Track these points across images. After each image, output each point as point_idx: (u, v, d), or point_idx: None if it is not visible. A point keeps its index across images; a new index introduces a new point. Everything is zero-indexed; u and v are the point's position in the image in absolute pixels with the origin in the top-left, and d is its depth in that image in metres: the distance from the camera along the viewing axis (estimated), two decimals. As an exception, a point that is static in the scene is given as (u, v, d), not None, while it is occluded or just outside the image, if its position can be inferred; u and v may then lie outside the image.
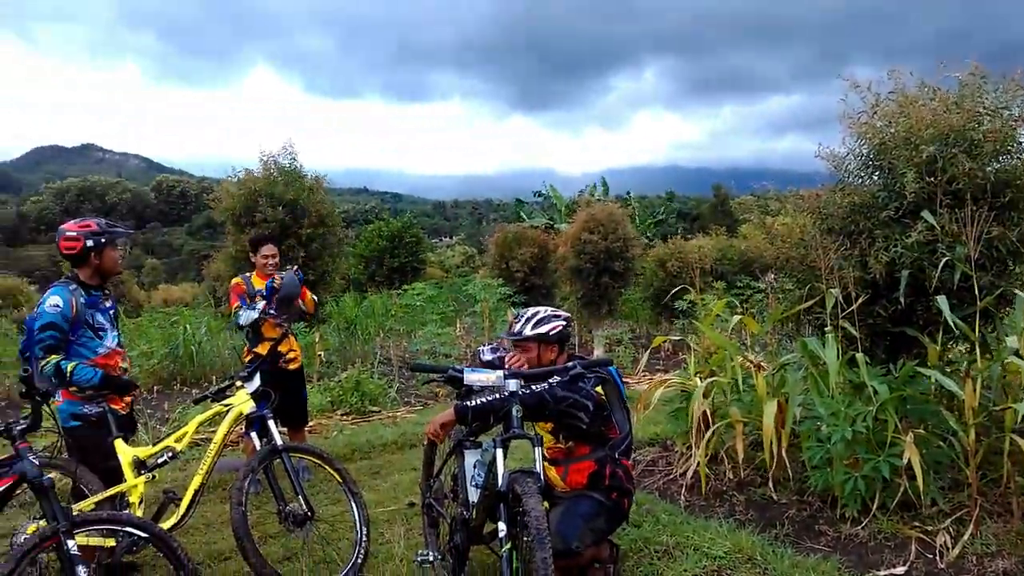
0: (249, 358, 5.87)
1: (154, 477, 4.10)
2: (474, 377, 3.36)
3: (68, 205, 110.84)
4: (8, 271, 47.39)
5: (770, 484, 5.02)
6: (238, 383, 4.37)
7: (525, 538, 3.11)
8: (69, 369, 3.97)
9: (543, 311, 3.90)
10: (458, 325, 12.47)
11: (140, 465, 4.07)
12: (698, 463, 5.18)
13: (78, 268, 4.23)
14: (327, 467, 4.36)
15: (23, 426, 3.33)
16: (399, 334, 14.46)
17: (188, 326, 12.76)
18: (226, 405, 4.32)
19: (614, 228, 13.35)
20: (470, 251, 51.02)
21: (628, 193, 30.72)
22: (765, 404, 4.93)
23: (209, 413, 4.36)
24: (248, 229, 10.36)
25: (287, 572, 4.16)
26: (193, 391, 11.65)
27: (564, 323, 3.84)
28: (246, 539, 3.79)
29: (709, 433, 5.21)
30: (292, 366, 5.95)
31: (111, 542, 3.79)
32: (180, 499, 4.21)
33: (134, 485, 3.99)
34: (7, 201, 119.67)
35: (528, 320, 3.86)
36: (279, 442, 4.18)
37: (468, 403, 3.45)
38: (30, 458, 3.27)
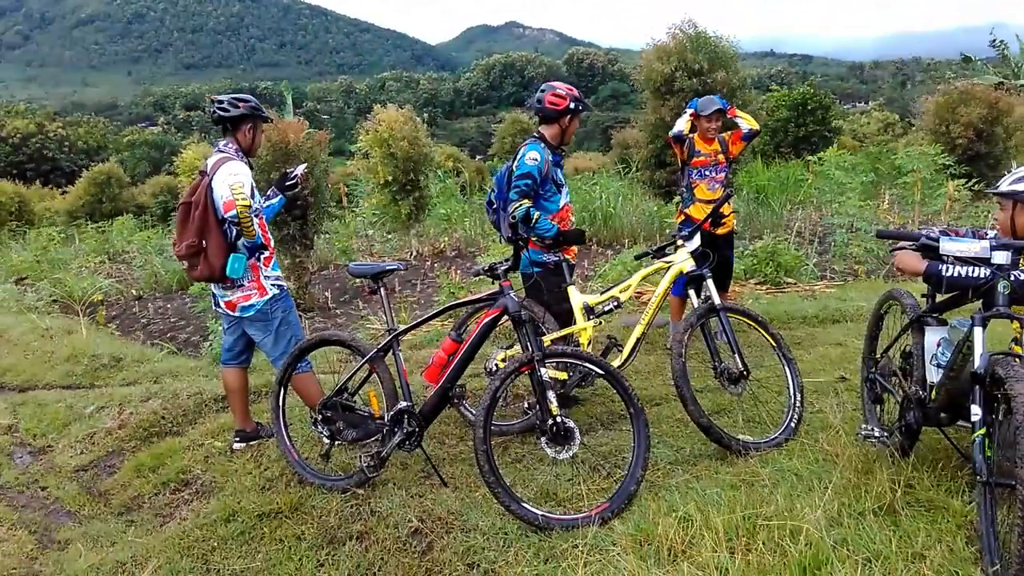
0: (681, 219, 6.00)
1: (601, 323, 4.47)
2: (952, 247, 3.00)
3: (493, 80, 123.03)
4: (446, 141, 54.73)
5: None
6: (679, 242, 4.50)
7: (1004, 426, 2.78)
8: (536, 217, 4.41)
9: None
10: (885, 198, 11.29)
11: (589, 311, 4.46)
12: None
13: (547, 126, 4.61)
14: (761, 331, 4.35)
15: (506, 266, 3.82)
16: (812, 205, 13.65)
17: (603, 192, 13.44)
18: (667, 262, 4.49)
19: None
20: (890, 117, 45.69)
21: None
22: None
23: (651, 269, 4.57)
24: (668, 98, 10.43)
25: (718, 425, 4.30)
26: (607, 252, 12.45)
27: None
28: (685, 387, 3.98)
29: None
30: (722, 230, 5.94)
31: (563, 375, 4.29)
32: (621, 345, 4.56)
33: (584, 328, 4.40)
34: (445, 79, 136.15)
35: (1009, 176, 3.31)
36: (717, 301, 4.25)
37: (944, 268, 3.10)
38: (511, 295, 3.77)
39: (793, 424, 4.11)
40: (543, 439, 3.61)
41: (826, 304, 7.27)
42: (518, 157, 4.57)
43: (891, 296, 3.94)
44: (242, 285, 4.38)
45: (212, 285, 4.50)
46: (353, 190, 16.35)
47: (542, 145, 4.58)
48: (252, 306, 4.40)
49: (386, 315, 4.04)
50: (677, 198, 6.87)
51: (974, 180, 11.33)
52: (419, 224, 13.43)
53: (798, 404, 4.17)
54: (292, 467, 4.18)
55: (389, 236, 13.41)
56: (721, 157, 5.92)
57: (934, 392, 3.28)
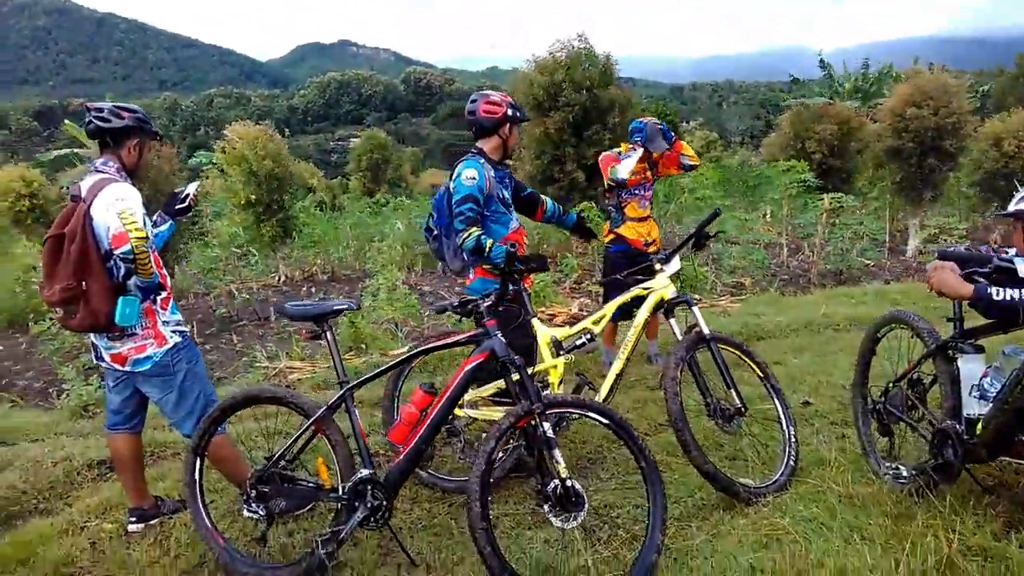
0: (610, 238, 5.63)
1: (572, 359, 3.94)
2: None
3: (329, 98, 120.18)
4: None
5: None
6: (657, 265, 4.05)
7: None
8: (488, 244, 3.85)
9: None
10: (767, 213, 11.54)
11: (557, 346, 3.91)
12: None
13: (484, 139, 4.07)
14: (747, 360, 3.97)
15: (489, 302, 3.20)
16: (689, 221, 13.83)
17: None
18: (646, 289, 4.02)
19: (946, 102, 11.52)
20: (711, 135, 48.51)
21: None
22: None
23: (627, 296, 4.09)
24: (551, 113, 10.11)
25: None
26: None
27: None
28: (686, 431, 3.51)
29: None
30: (652, 248, 5.64)
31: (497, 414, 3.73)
32: (593, 384, 4.06)
33: (554, 365, 3.84)
34: (278, 96, 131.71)
35: (1016, 196, 3.12)
36: (706, 331, 3.82)
37: (994, 291, 2.80)
38: (499, 336, 3.15)
39: (792, 462, 3.74)
40: (546, 506, 3.01)
41: (745, 321, 7.13)
42: (452, 178, 3.99)
43: (894, 319, 3.66)
44: (134, 334, 3.48)
45: (93, 335, 3.57)
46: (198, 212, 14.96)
47: (480, 161, 4.02)
48: (148, 359, 3.51)
49: (335, 365, 3.29)
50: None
51: (831, 195, 11.80)
52: (286, 247, 12.38)
53: (793, 440, 3.81)
54: (215, 554, 3.33)
55: (254, 261, 12.25)
56: (649, 174, 5.63)
57: (980, 426, 2.99)
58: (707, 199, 11.55)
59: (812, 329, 7.09)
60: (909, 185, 12.24)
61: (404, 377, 4.23)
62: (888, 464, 3.40)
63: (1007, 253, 2.89)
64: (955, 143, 11.67)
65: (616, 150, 5.63)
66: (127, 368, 3.52)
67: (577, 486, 3.00)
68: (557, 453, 2.98)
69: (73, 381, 6.16)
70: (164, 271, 3.60)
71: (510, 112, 3.99)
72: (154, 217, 3.83)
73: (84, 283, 3.29)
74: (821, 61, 24.73)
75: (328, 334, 3.30)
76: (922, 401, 3.45)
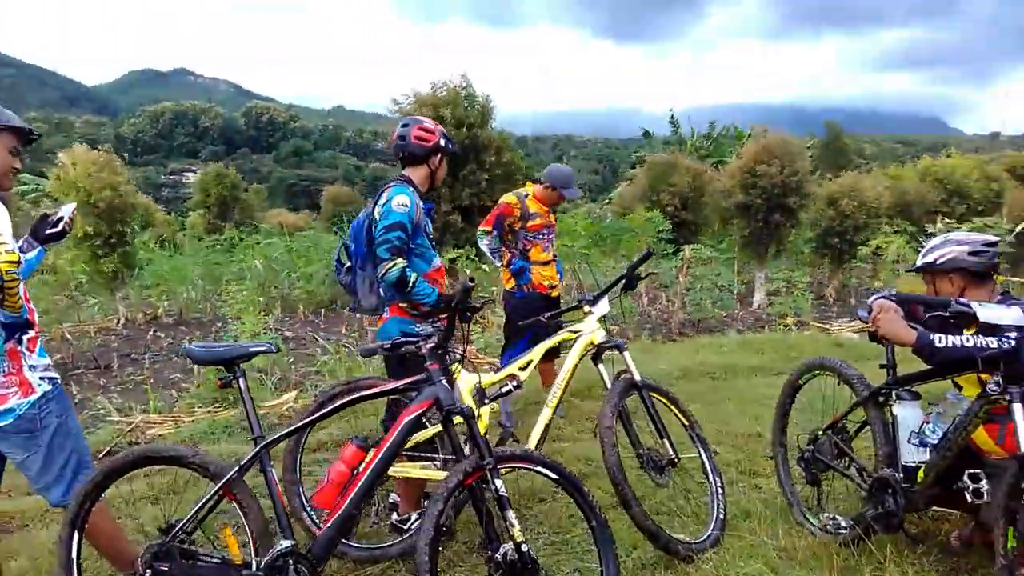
0: (511, 284, 5.50)
1: (495, 408, 3.69)
2: (991, 314, 2.75)
3: (163, 129, 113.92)
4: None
5: None
6: (585, 308, 3.89)
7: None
8: (413, 279, 3.55)
9: (937, 238, 3.29)
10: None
11: (481, 394, 3.65)
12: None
13: (412, 168, 3.79)
14: (672, 408, 3.88)
15: (432, 344, 2.90)
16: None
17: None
18: (575, 332, 3.85)
19: (791, 160, 12.41)
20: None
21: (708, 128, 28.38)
22: None
23: (555, 340, 3.91)
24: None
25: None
26: (356, 314, 11.50)
27: (966, 248, 3.15)
28: (625, 485, 3.34)
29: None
30: (555, 292, 5.55)
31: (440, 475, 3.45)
32: (515, 435, 3.83)
33: (478, 416, 3.57)
34: (105, 123, 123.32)
35: (923, 251, 3.30)
36: (638, 378, 3.70)
37: (937, 339, 2.85)
38: (443, 382, 2.86)
39: (722, 515, 3.66)
40: (496, 575, 2.73)
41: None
42: (380, 203, 3.67)
43: (819, 366, 3.69)
44: (-8, 383, 2.90)
45: None
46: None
47: (411, 189, 3.74)
48: (10, 412, 2.91)
49: (249, 418, 2.87)
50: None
51: (692, 246, 12.32)
52: (125, 285, 11.32)
53: (720, 491, 3.74)
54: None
55: (92, 302, 11.08)
56: (552, 218, 5.58)
57: (921, 474, 3.02)
58: (571, 247, 11.73)
59: (691, 377, 7.21)
60: (755, 240, 13.00)
61: (307, 432, 3.80)
62: (825, 515, 3.39)
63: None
64: (797, 200, 12.54)
65: (523, 191, 5.51)
66: None
67: (532, 552, 2.74)
68: (511, 514, 2.72)
69: None
70: (32, 305, 3.04)
71: (442, 142, 3.75)
72: (20, 243, 3.25)
73: None
74: (672, 118, 26.20)
75: (241, 380, 2.88)
76: (849, 449, 3.48)
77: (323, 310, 11.75)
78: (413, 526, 3.64)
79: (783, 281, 12.10)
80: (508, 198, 5.49)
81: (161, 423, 6.16)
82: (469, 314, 3.08)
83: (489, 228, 5.49)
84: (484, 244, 5.57)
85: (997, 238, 3.23)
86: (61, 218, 3.35)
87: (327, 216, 25.81)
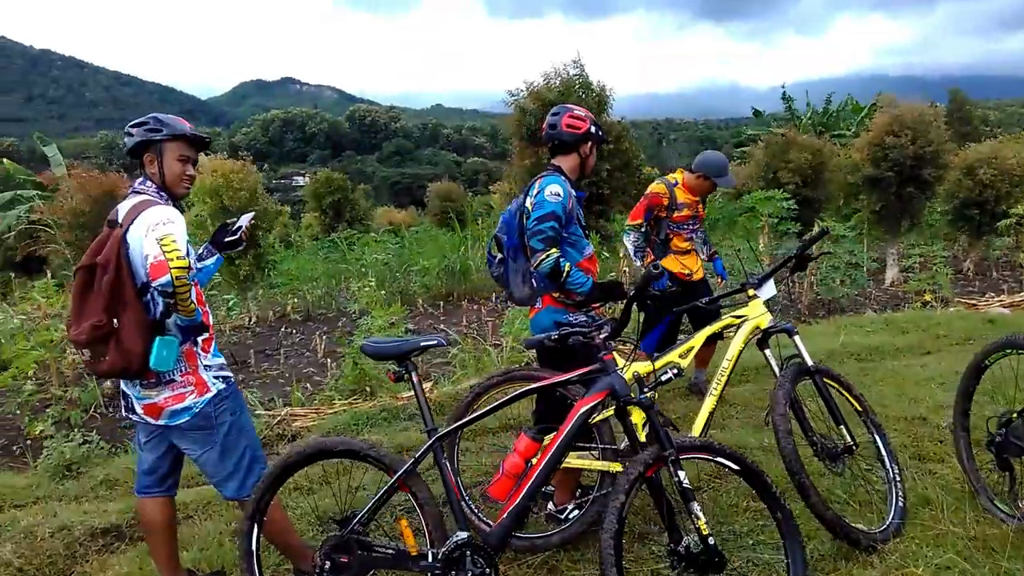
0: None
1: (656, 397, 3.56)
2: None
3: (272, 135, 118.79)
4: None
5: None
6: (749, 291, 3.73)
7: None
8: (567, 269, 3.48)
9: None
10: (761, 240, 11.39)
11: (640, 382, 3.53)
12: None
13: (562, 157, 3.71)
14: (845, 393, 3.66)
15: (607, 332, 2.82)
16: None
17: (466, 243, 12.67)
18: (739, 317, 3.69)
19: (924, 131, 11.67)
20: (654, 172, 49.43)
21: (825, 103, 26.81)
22: None
23: (719, 325, 3.76)
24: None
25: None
26: (472, 306, 11.61)
27: None
28: (803, 474, 3.17)
29: None
30: (697, 276, 5.37)
31: (617, 466, 3.34)
32: (674, 424, 3.70)
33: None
34: (220, 133, 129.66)
35: None
36: (810, 363, 3.50)
37: None
38: (619, 373, 2.78)
39: (901, 503, 3.43)
40: (677, 568, 2.62)
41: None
42: (534, 193, 3.60)
43: (1009, 344, 3.39)
44: (172, 381, 2.99)
45: (124, 382, 3.07)
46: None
47: (563, 178, 3.66)
48: (188, 409, 3.02)
49: (422, 410, 2.87)
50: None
51: (806, 223, 11.76)
52: (256, 285, 11.79)
53: (898, 478, 3.50)
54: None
55: (230, 303, 11.59)
56: (701, 208, 5.44)
57: None
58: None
59: (836, 360, 6.86)
60: (888, 214, 12.32)
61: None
62: (1003, 501, 3.10)
63: None
64: (933, 172, 11.80)
65: (671, 178, 5.33)
66: (162, 421, 3.03)
67: (718, 544, 2.62)
68: (695, 506, 2.61)
69: (53, 438, 5.51)
70: (207, 308, 3.13)
71: (593, 129, 3.65)
72: (199, 249, 3.37)
73: (116, 320, 2.81)
74: (784, 95, 25.19)
75: (413, 375, 2.88)
76: None
77: (441, 303, 11.89)
78: (571, 515, 3.57)
79: (919, 256, 11.39)
80: (656, 187, 5.32)
81: (304, 415, 6.34)
82: (650, 302, 2.96)
83: (638, 222, 5.32)
84: (629, 241, 5.42)
85: None
86: (240, 227, 3.45)
87: (433, 212, 26.20)
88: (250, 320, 11.47)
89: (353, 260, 13.74)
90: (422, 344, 2.90)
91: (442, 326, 10.40)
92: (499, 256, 3.80)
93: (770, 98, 26.29)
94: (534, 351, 4.04)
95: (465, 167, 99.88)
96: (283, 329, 10.72)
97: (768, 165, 14.36)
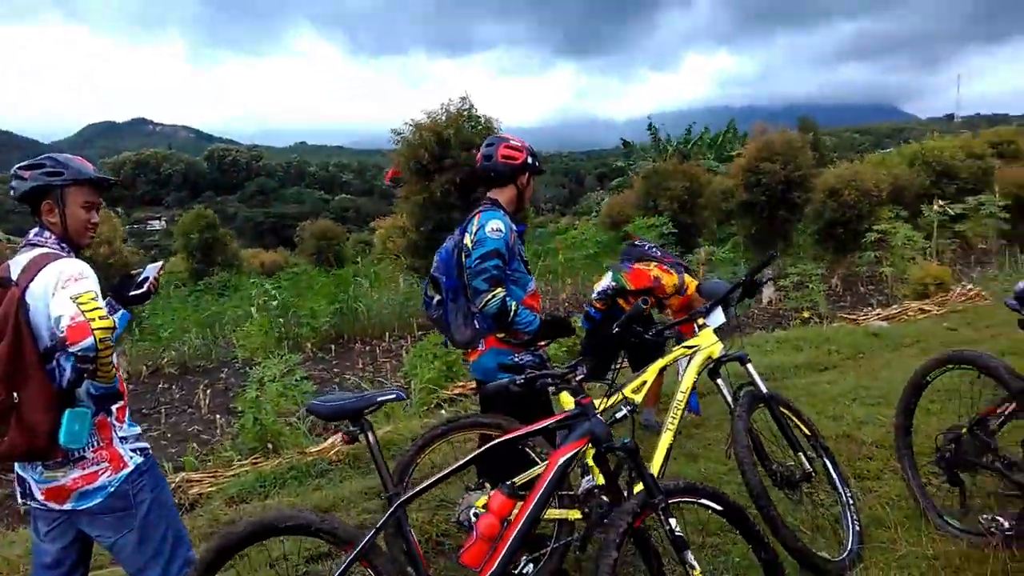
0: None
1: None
2: None
3: (124, 179, 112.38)
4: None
5: None
6: (699, 320, 3.63)
7: None
8: (514, 308, 3.29)
9: None
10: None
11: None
12: None
13: (499, 189, 3.54)
14: (794, 419, 3.61)
15: (582, 374, 2.62)
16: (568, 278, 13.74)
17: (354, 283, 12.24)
18: (691, 347, 3.58)
19: (794, 156, 12.33)
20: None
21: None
22: None
23: (670, 357, 3.63)
24: (435, 176, 9.64)
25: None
26: (365, 347, 11.18)
27: None
28: (770, 507, 3.08)
29: None
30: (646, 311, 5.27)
31: (577, 514, 3.15)
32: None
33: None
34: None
35: None
36: (764, 390, 3.44)
37: None
38: (598, 417, 2.58)
39: (858, 528, 3.40)
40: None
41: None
42: (473, 230, 3.40)
43: (951, 359, 3.45)
44: (83, 458, 2.55)
45: (21, 465, 2.60)
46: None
47: (501, 212, 3.48)
48: (101, 489, 2.58)
49: (381, 474, 2.56)
50: None
51: (706, 247, 12.17)
52: (122, 341, 10.87)
53: (851, 502, 3.48)
54: None
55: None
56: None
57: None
58: (583, 259, 11.51)
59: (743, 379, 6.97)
60: (762, 237, 12.87)
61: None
62: (984, 516, 3.12)
63: None
64: (802, 195, 12.44)
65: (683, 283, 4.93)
66: (69, 506, 2.58)
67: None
68: (690, 555, 2.43)
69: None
70: (120, 372, 2.71)
71: (530, 160, 3.50)
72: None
73: (16, 394, 2.36)
74: (650, 126, 26.20)
75: (369, 434, 2.57)
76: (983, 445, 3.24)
77: (332, 346, 11.39)
78: (526, 571, 3.33)
79: (796, 275, 11.92)
80: (671, 279, 4.84)
81: (200, 480, 5.75)
82: (634, 340, 2.79)
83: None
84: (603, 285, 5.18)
85: None
86: (146, 278, 3.02)
87: (308, 251, 25.41)
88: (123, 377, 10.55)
89: (231, 307, 12.99)
90: (378, 399, 2.61)
91: (336, 370, 9.92)
92: (437, 297, 3.56)
93: (628, 129, 27.40)
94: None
95: (333, 204, 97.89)
96: (160, 385, 9.90)
97: (648, 193, 14.77)
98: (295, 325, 11.82)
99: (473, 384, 7.55)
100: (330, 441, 6.06)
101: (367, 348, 11.23)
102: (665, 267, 4.90)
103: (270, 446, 6.16)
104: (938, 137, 19.03)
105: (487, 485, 3.18)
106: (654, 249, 5.23)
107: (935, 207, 13.69)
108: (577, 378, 2.63)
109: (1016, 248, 14.95)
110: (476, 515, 3.17)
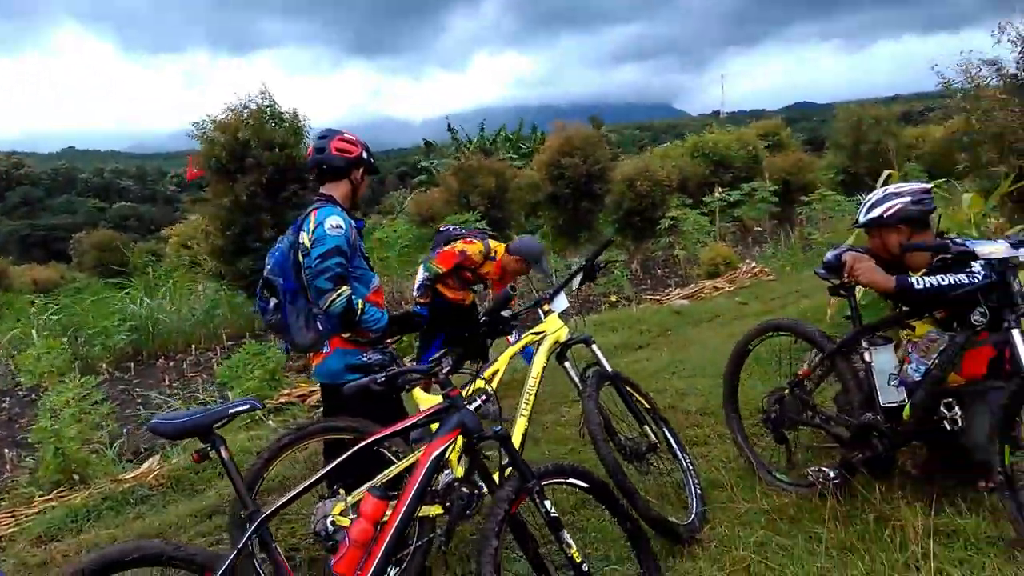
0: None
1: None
2: (986, 249, 2.87)
3: None
4: None
5: None
6: (544, 307, 3.68)
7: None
8: (360, 306, 3.20)
9: (877, 193, 3.45)
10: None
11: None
12: None
13: (332, 184, 3.41)
14: (635, 394, 3.78)
15: (447, 366, 2.57)
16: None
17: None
18: (537, 333, 3.62)
19: (592, 150, 12.94)
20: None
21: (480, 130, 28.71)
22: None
23: (519, 345, 3.65)
24: (238, 176, 9.11)
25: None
26: (169, 362, 10.42)
27: (908, 199, 3.36)
28: (626, 479, 3.19)
29: None
30: (468, 301, 5.28)
31: (437, 510, 3.12)
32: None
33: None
34: None
35: (861, 208, 3.45)
36: (609, 370, 3.56)
37: (915, 281, 2.99)
38: (468, 409, 2.55)
39: (699, 491, 3.62)
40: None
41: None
42: (310, 228, 3.25)
43: (770, 327, 3.76)
44: None
45: None
46: None
47: (338, 208, 3.36)
48: None
49: (239, 492, 2.37)
50: None
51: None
52: None
53: (691, 467, 3.70)
54: None
55: None
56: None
57: (907, 411, 3.15)
58: (396, 257, 11.40)
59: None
60: (567, 228, 13.42)
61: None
62: (812, 468, 3.42)
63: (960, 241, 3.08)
64: (602, 186, 13.09)
65: (494, 247, 5.13)
66: None
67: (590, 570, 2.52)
68: (566, 534, 2.48)
69: None
70: None
71: (365, 155, 3.41)
72: None
73: None
74: (449, 126, 26.50)
75: (222, 449, 2.38)
76: (813, 402, 3.57)
77: (131, 364, 10.50)
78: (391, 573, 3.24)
79: (603, 261, 12.52)
80: (473, 248, 5.00)
81: (-1, 522, 5.11)
82: (502, 327, 2.77)
83: (443, 270, 5.00)
84: (421, 276, 5.12)
85: (930, 184, 3.45)
86: None
87: (88, 265, 23.26)
88: None
89: (6, 329, 11.57)
90: (231, 411, 2.41)
91: (138, 389, 9.15)
92: (274, 301, 3.36)
93: (425, 130, 27.68)
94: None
95: (111, 212, 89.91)
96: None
97: (460, 191, 14.91)
98: (84, 345, 10.76)
99: (299, 391, 7.26)
100: (147, 465, 5.60)
101: (171, 364, 10.46)
102: (468, 240, 5.05)
103: (76, 477, 5.57)
104: (716, 131, 20.73)
105: (342, 491, 3.05)
106: (457, 229, 5.47)
107: (716, 194, 14.92)
108: (444, 371, 2.58)
109: (787, 227, 16.64)
110: (334, 524, 3.04)
